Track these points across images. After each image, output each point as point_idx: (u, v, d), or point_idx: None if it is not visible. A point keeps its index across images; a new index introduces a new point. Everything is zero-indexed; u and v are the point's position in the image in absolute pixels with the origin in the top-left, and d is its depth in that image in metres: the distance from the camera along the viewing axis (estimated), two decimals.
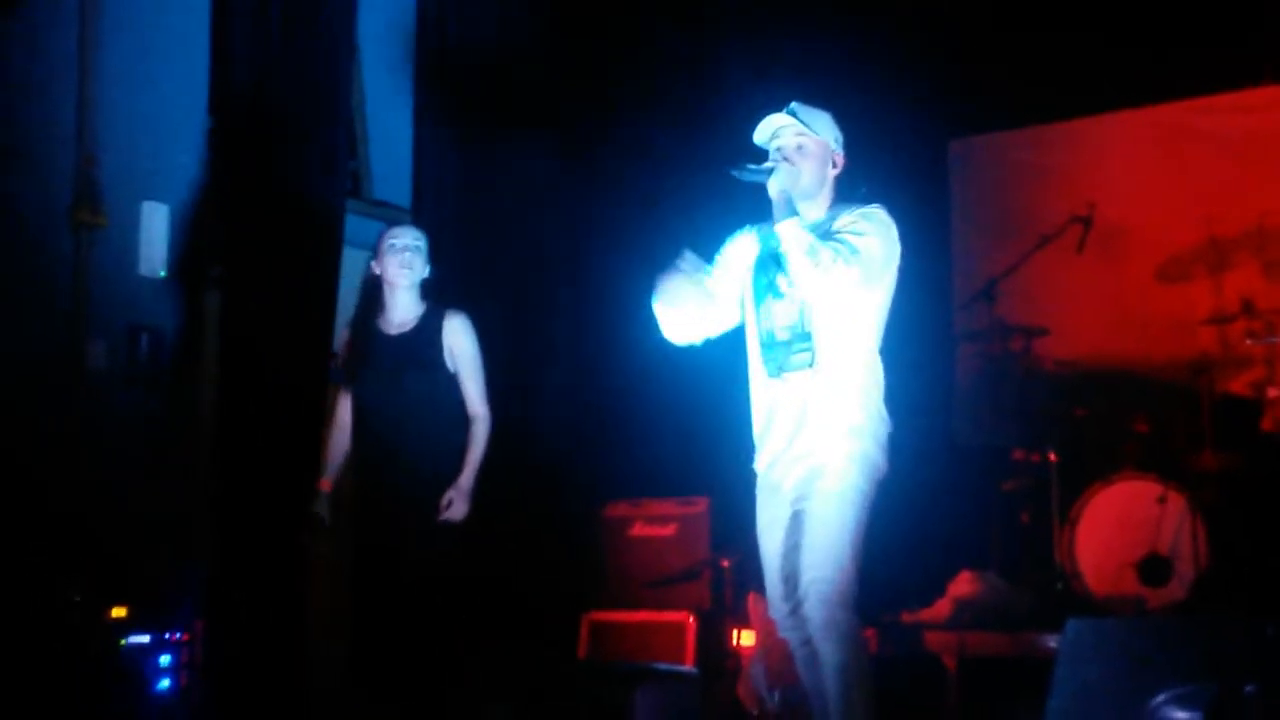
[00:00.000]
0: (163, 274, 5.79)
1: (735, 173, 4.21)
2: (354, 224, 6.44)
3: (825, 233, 4.18)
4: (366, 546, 5.01)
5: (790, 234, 4.11)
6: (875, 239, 4.15)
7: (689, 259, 4.36)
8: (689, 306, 4.37)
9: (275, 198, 5.91)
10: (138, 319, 5.69)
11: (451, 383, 5.00)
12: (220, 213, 5.93)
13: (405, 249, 5.00)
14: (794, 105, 4.32)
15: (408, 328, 5.02)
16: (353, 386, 5.06)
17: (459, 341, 5.00)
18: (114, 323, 5.60)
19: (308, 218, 6.03)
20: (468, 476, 4.95)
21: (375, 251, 5.07)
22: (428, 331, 4.99)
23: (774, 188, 4.17)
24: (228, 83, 5.96)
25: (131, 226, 5.72)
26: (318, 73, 6.13)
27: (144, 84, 5.79)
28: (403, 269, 4.98)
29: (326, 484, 5.10)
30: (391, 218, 7.03)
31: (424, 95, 6.88)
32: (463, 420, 5.02)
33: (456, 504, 4.92)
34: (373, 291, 5.07)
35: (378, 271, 5.05)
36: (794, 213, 4.15)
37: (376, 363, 4.99)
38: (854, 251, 4.08)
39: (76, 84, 5.56)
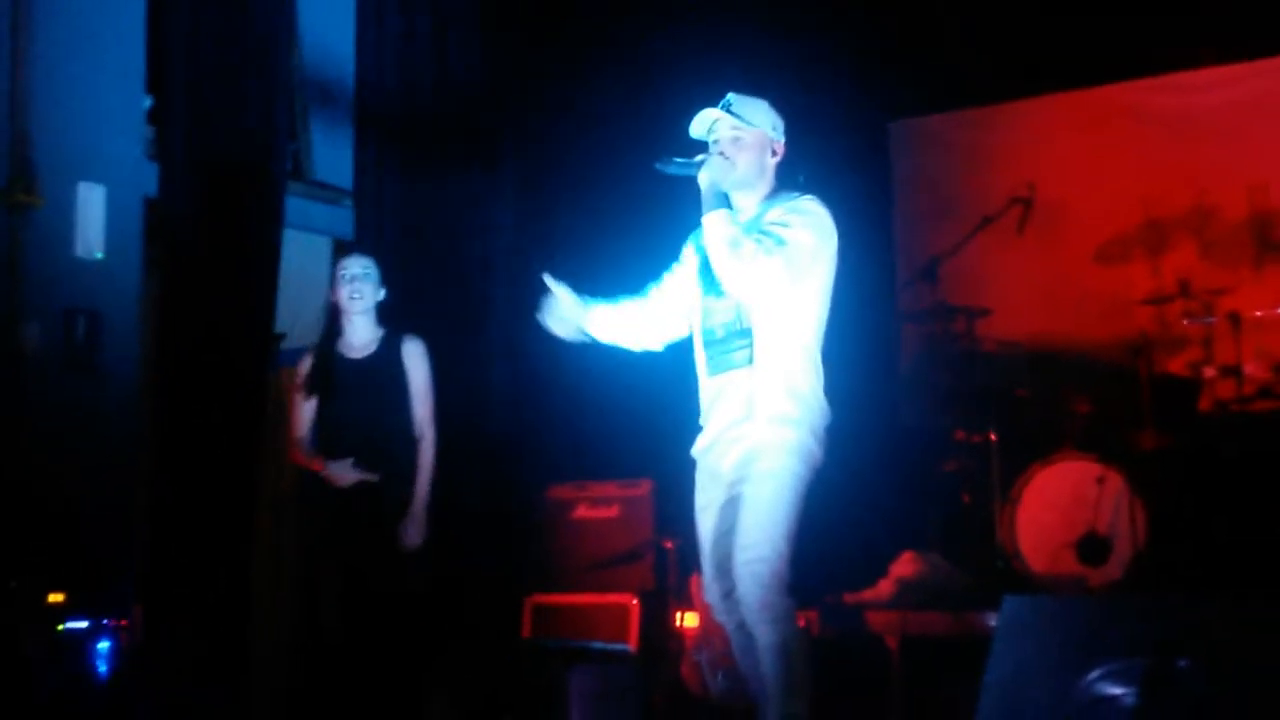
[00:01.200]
0: (99, 255, 5.72)
1: (660, 166, 4.20)
2: (295, 205, 6.40)
3: (755, 226, 4.17)
4: (316, 550, 5.18)
5: (713, 227, 4.12)
6: (804, 230, 4.13)
7: (551, 284, 4.41)
8: (620, 331, 4.49)
9: (214, 179, 5.86)
10: (74, 302, 5.62)
11: (406, 402, 5.25)
12: (158, 194, 5.87)
13: (354, 278, 5.22)
14: (730, 97, 4.29)
15: (368, 351, 5.27)
16: (316, 405, 5.24)
17: (415, 366, 5.27)
18: (49, 305, 5.53)
19: (247, 199, 5.99)
20: (420, 503, 5.18)
21: (330, 279, 5.32)
22: (388, 356, 5.26)
23: (703, 180, 4.17)
24: (165, 61, 5.89)
25: (67, 207, 5.65)
26: (256, 51, 6.08)
27: (80, 62, 5.72)
28: (352, 298, 5.21)
29: (319, 463, 5.17)
30: (332, 199, 7.01)
31: (365, 79, 6.84)
32: (413, 438, 5.26)
33: (411, 533, 5.15)
34: (333, 316, 5.29)
35: (334, 298, 5.27)
36: (723, 205, 4.15)
37: (339, 383, 5.21)
38: (779, 243, 4.07)
39: (9, 63, 5.48)
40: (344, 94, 6.92)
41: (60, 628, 4.91)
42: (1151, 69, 7.33)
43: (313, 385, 5.21)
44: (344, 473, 5.06)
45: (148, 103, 6.02)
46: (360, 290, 5.21)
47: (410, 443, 5.22)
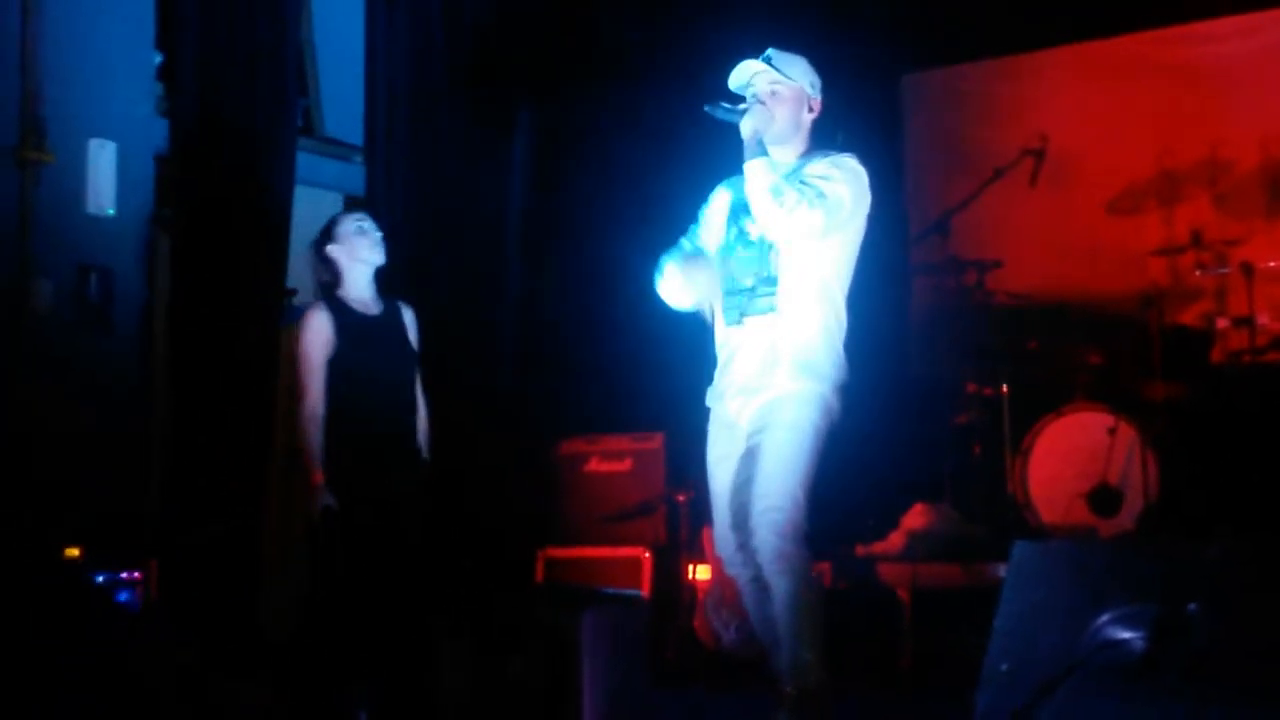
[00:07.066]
0: (111, 212, 5.73)
1: (709, 109, 4.23)
2: (306, 161, 6.40)
3: (796, 178, 4.21)
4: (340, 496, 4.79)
5: (756, 173, 4.15)
6: (844, 186, 4.19)
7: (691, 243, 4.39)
8: (700, 284, 4.33)
9: (224, 135, 5.86)
10: (86, 258, 5.63)
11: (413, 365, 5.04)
12: (169, 151, 5.87)
13: (379, 235, 4.96)
14: (770, 51, 4.34)
15: (373, 310, 4.97)
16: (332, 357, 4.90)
17: (413, 334, 5.06)
18: (61, 262, 5.54)
19: (258, 155, 5.98)
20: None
21: (335, 235, 4.97)
22: (395, 317, 5.02)
23: (746, 127, 4.21)
24: (175, 17, 5.88)
25: (79, 164, 5.65)
26: (267, 6, 6.06)
27: (90, 18, 5.71)
28: (376, 248, 4.95)
29: (319, 476, 4.80)
30: (343, 155, 7.01)
31: (376, 34, 6.81)
32: (413, 401, 5.06)
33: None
34: (334, 270, 4.97)
35: (334, 254, 4.94)
36: (764, 153, 4.19)
37: (350, 337, 4.89)
38: (820, 196, 4.12)
39: (20, 19, 5.48)
40: (355, 47, 6.89)
41: None
42: (1164, 19, 7.28)
43: (334, 335, 4.87)
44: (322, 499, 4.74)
45: (158, 59, 6.01)
46: (381, 244, 4.96)
47: (413, 402, 5.04)
